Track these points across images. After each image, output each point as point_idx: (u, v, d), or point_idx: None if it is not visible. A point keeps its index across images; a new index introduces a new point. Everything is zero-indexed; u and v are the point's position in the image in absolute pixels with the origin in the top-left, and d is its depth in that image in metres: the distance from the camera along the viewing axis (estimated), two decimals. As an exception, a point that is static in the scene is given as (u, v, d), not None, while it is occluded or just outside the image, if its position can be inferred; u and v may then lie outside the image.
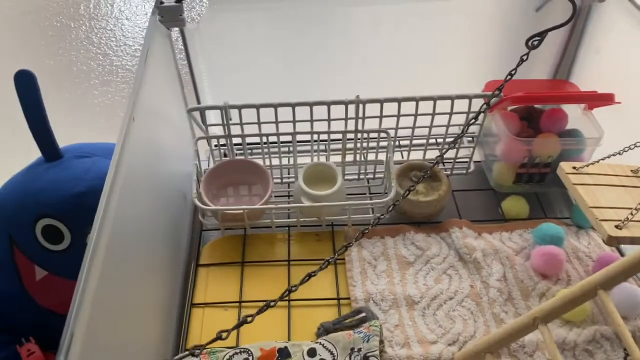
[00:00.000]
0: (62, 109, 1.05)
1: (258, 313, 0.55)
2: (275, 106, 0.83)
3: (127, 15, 1.03)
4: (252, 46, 0.93)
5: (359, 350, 0.64)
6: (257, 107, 0.83)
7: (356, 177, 0.97)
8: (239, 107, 0.84)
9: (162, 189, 0.79)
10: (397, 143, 1.00)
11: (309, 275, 0.57)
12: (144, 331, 0.65)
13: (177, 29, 0.87)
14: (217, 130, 0.91)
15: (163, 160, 0.82)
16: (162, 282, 0.74)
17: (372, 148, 0.92)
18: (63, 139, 0.83)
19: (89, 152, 0.85)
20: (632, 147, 0.73)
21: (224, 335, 0.54)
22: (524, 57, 0.69)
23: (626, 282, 0.77)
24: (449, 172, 0.96)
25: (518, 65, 0.69)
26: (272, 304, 0.55)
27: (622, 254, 0.85)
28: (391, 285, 0.79)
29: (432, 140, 1.00)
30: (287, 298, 0.78)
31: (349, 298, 0.78)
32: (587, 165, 0.77)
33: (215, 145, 0.97)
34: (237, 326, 0.54)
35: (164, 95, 0.85)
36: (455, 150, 0.93)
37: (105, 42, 1.03)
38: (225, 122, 0.85)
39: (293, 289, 0.57)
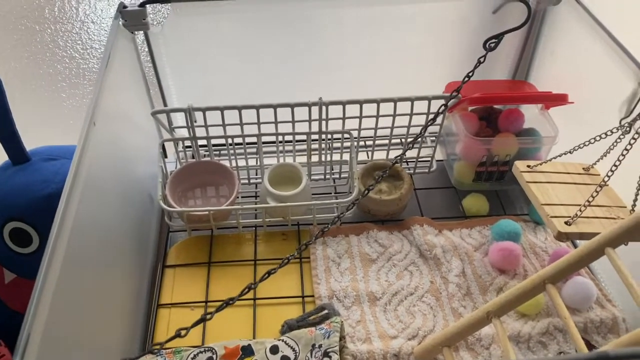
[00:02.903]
0: (29, 112, 1.04)
1: (217, 311, 0.56)
2: (239, 108, 0.84)
3: (93, 18, 1.03)
4: (217, 49, 0.94)
5: (320, 346, 0.66)
6: (221, 109, 0.84)
7: (322, 177, 0.98)
8: (203, 110, 0.84)
9: (128, 191, 0.80)
10: (362, 143, 1.03)
11: (269, 273, 0.59)
12: (108, 331, 0.66)
13: (142, 32, 0.88)
14: (185, 133, 0.91)
15: (129, 162, 0.82)
16: (128, 283, 0.75)
17: (337, 149, 0.94)
18: (31, 142, 0.82)
19: (56, 154, 0.85)
20: (582, 145, 0.75)
21: (183, 332, 0.55)
22: (481, 59, 0.71)
23: (579, 276, 0.80)
24: (412, 171, 0.98)
25: (475, 67, 0.71)
26: (231, 302, 0.57)
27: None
28: (354, 282, 0.81)
29: (397, 141, 1.03)
30: (252, 297, 0.80)
31: (313, 296, 0.80)
32: (541, 164, 0.80)
33: (183, 148, 0.97)
34: (196, 324, 0.55)
35: (129, 98, 0.86)
36: (417, 149, 0.96)
37: (72, 45, 1.03)
38: (190, 125, 0.86)
39: (252, 286, 0.58)
